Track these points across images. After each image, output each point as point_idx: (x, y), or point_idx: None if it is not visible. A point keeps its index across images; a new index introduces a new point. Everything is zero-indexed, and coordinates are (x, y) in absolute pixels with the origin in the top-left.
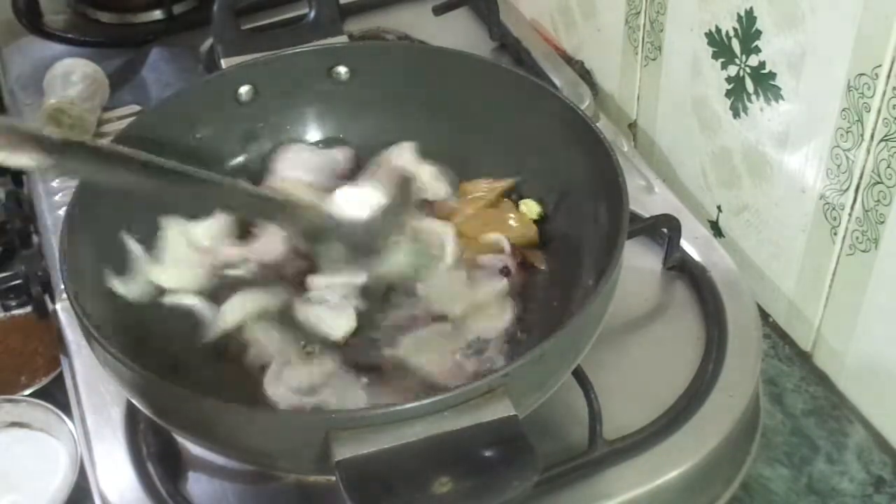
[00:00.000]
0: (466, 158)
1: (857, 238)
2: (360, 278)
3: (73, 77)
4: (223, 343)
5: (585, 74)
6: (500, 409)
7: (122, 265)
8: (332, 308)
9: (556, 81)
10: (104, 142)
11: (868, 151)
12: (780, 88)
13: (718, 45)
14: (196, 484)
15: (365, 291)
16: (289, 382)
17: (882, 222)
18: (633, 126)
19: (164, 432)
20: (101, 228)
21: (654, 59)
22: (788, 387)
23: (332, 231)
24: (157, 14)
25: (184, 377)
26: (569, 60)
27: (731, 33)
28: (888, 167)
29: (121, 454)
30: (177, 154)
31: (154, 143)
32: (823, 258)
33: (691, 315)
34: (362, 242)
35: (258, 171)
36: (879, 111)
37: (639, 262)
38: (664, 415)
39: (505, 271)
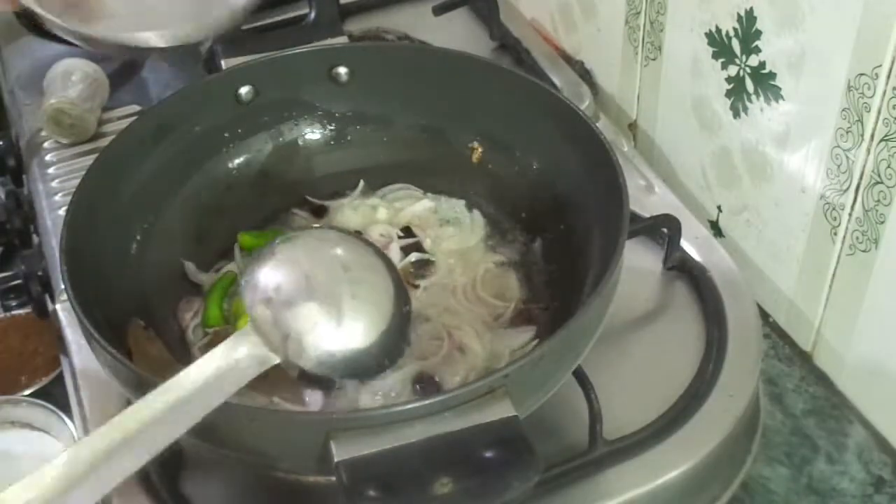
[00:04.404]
0: (467, 158)
1: (857, 238)
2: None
3: (73, 77)
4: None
5: (585, 74)
6: (500, 410)
7: (121, 264)
8: None
9: (556, 81)
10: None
11: (868, 151)
12: (780, 88)
13: (718, 45)
14: (196, 484)
15: None
16: None
17: (882, 222)
18: (633, 126)
19: None
20: (101, 228)
21: (654, 59)
22: (788, 387)
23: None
24: None
25: None
26: (569, 60)
27: (731, 33)
28: (888, 167)
29: None
30: (176, 154)
31: (153, 144)
32: (823, 258)
33: (691, 315)
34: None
35: (258, 172)
36: (879, 111)
37: (639, 262)
38: (664, 415)
39: None
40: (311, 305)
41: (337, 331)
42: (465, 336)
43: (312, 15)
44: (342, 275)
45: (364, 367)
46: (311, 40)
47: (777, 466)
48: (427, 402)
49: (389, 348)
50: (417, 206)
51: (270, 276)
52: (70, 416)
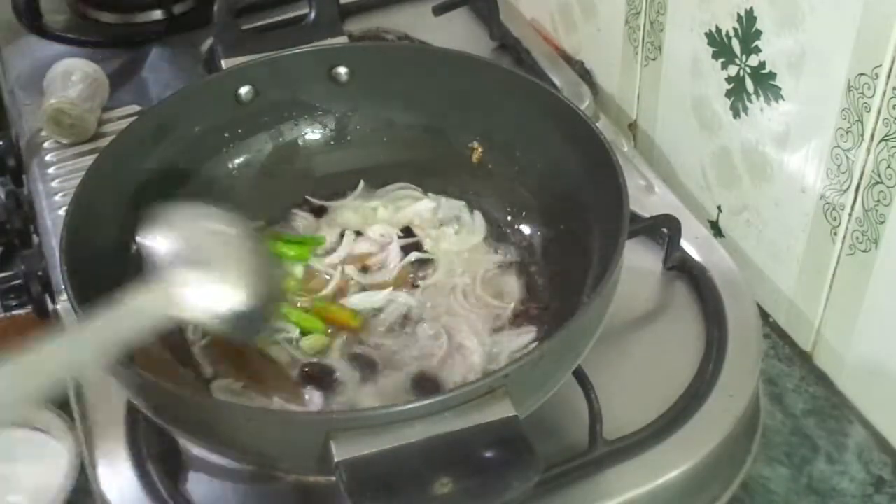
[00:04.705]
0: (466, 158)
1: (857, 238)
2: None
3: (73, 77)
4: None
5: (585, 74)
6: (500, 410)
7: (121, 264)
8: None
9: (556, 81)
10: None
11: (868, 151)
12: (780, 88)
13: (718, 45)
14: (196, 484)
15: None
16: None
17: (882, 222)
18: (633, 126)
19: (164, 432)
20: (101, 228)
21: (654, 59)
22: (788, 387)
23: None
24: (157, 14)
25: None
26: (569, 60)
27: (731, 33)
28: (888, 167)
29: (121, 454)
30: (176, 154)
31: (153, 144)
32: (823, 258)
33: (691, 315)
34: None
35: (258, 172)
36: (879, 111)
37: (639, 262)
38: (664, 415)
39: None
40: (201, 271)
41: (222, 293)
42: (465, 336)
43: (312, 15)
44: (226, 248)
45: (245, 326)
46: (311, 40)
47: (777, 466)
48: (427, 402)
49: (263, 315)
50: (418, 205)
51: (166, 243)
52: (70, 416)
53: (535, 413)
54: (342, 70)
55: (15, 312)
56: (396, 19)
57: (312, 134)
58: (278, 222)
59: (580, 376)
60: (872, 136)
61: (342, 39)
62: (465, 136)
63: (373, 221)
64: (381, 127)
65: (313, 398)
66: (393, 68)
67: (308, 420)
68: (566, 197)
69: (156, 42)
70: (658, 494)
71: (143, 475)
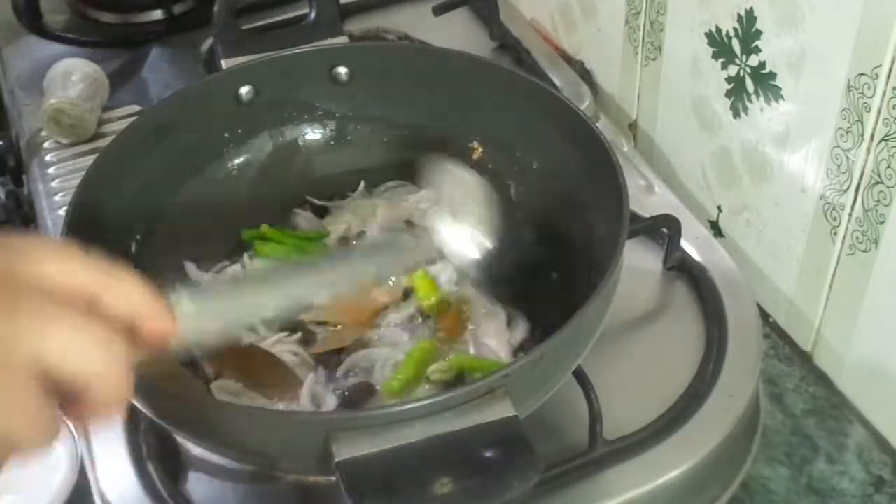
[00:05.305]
0: (467, 158)
1: (857, 238)
2: None
3: (73, 77)
4: None
5: (585, 74)
6: (500, 410)
7: (121, 264)
8: None
9: (556, 81)
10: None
11: (868, 151)
12: (780, 88)
13: (718, 45)
14: (196, 484)
15: None
16: None
17: (882, 222)
18: (633, 126)
19: (164, 432)
20: (101, 228)
21: (654, 59)
22: (788, 387)
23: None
24: (157, 14)
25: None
26: (569, 60)
27: (731, 33)
28: (888, 167)
29: (121, 454)
30: (177, 154)
31: (153, 144)
32: (823, 258)
33: (691, 315)
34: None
35: (259, 172)
36: (879, 111)
37: (639, 262)
38: (664, 415)
39: None
40: None
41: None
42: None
43: (312, 15)
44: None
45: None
46: (311, 40)
47: (777, 466)
48: (427, 402)
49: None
50: (414, 197)
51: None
52: None
53: (535, 413)
54: (342, 70)
55: None
56: (396, 19)
57: (312, 134)
58: (280, 222)
59: (580, 376)
60: (872, 136)
61: (342, 39)
62: (465, 136)
63: (373, 221)
64: (381, 127)
65: (326, 399)
66: (393, 68)
67: (308, 420)
68: (566, 197)
69: (156, 42)
70: (658, 494)
71: (143, 475)
